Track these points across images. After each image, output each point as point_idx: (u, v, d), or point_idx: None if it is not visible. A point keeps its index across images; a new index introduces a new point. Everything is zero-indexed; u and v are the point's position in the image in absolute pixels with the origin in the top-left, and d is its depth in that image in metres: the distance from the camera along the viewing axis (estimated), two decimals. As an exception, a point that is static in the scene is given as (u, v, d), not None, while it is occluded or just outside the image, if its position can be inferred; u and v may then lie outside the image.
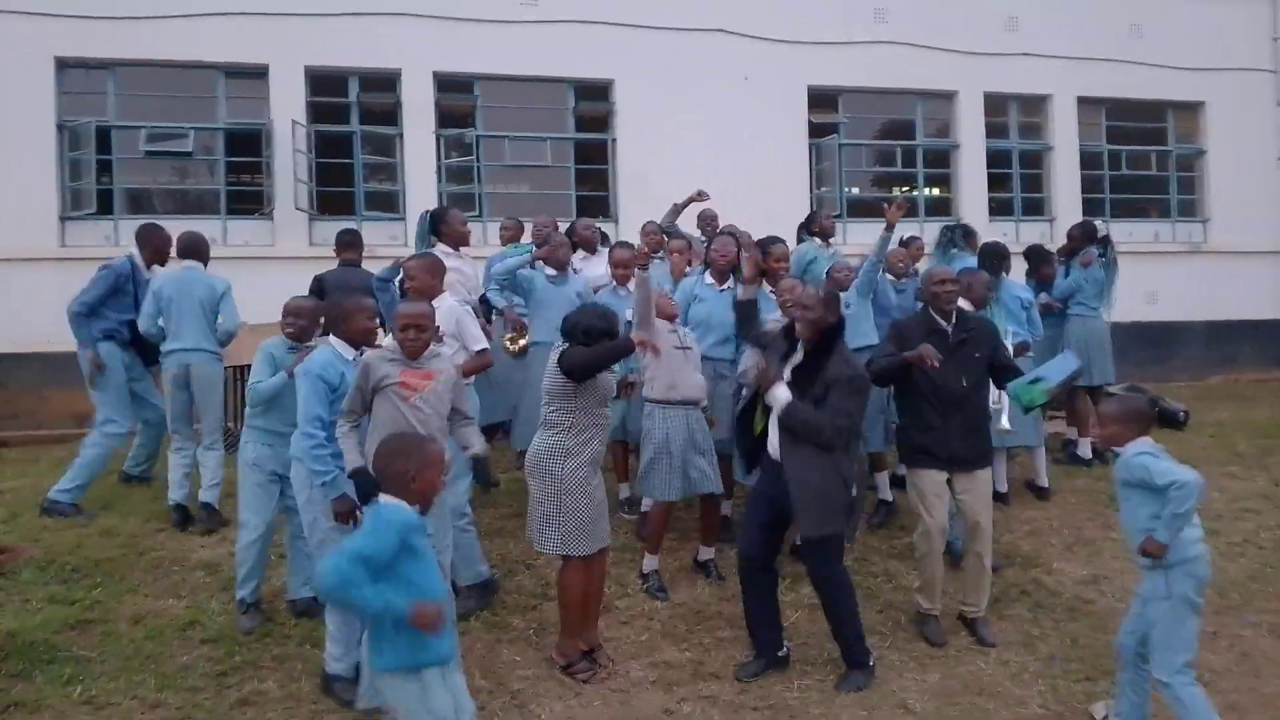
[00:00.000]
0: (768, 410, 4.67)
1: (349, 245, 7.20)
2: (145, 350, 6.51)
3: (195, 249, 6.45)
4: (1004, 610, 5.47)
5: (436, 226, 6.50)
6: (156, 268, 6.64)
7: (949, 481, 5.05)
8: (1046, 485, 7.05)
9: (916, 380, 4.96)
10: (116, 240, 9.63)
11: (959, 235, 7.55)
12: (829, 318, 4.58)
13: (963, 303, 5.99)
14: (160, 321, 6.17)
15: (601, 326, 4.60)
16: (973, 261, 7.04)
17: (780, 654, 4.81)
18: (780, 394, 4.52)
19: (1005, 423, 5.46)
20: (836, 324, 4.63)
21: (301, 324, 5.01)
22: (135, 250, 6.64)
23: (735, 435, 5.03)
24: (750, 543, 4.82)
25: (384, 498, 3.22)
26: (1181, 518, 3.86)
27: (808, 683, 4.65)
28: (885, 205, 6.20)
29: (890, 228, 6.20)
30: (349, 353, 4.50)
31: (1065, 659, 4.99)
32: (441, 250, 6.27)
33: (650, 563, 5.59)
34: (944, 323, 5.11)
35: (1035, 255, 8.09)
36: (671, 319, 5.60)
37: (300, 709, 4.30)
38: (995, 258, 7.03)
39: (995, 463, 6.77)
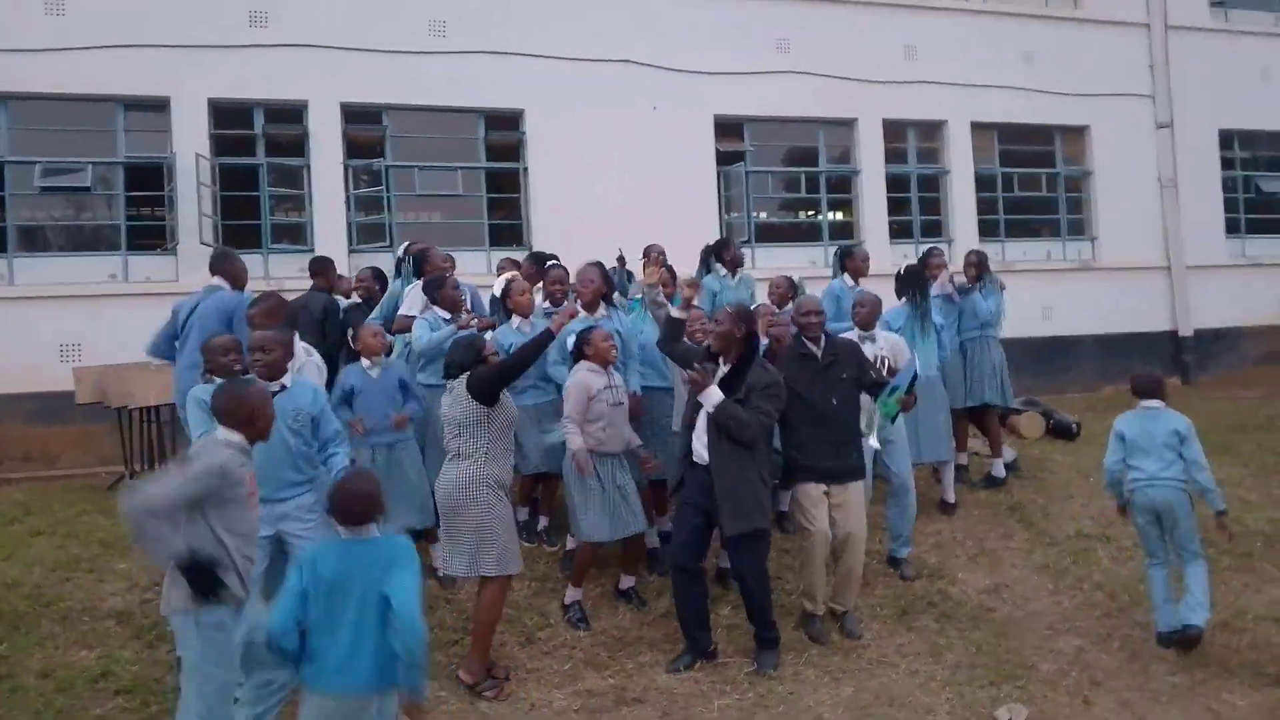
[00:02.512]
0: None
1: (317, 273, 7.08)
2: None
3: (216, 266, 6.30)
4: (912, 622, 5.71)
5: (420, 266, 6.62)
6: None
7: (826, 494, 5.43)
8: (953, 501, 7.30)
9: (791, 401, 5.29)
10: (11, 279, 9.34)
11: (837, 259, 7.65)
12: (736, 331, 5.06)
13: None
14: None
15: (470, 356, 4.85)
16: (848, 284, 7.31)
17: (710, 649, 5.25)
18: (713, 393, 4.95)
19: (874, 441, 5.76)
20: (749, 336, 5.09)
21: (270, 359, 4.61)
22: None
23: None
24: (682, 550, 5.20)
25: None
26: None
27: (726, 702, 4.79)
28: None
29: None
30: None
31: (970, 666, 5.23)
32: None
33: (573, 594, 5.67)
34: (814, 347, 5.54)
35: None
36: (607, 364, 5.61)
37: None
38: (914, 280, 7.15)
39: (943, 473, 7.23)
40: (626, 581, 5.88)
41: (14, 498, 7.48)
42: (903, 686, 5.01)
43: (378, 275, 7.24)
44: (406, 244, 7.24)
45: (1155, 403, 5.51)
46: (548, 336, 5.05)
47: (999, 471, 7.80)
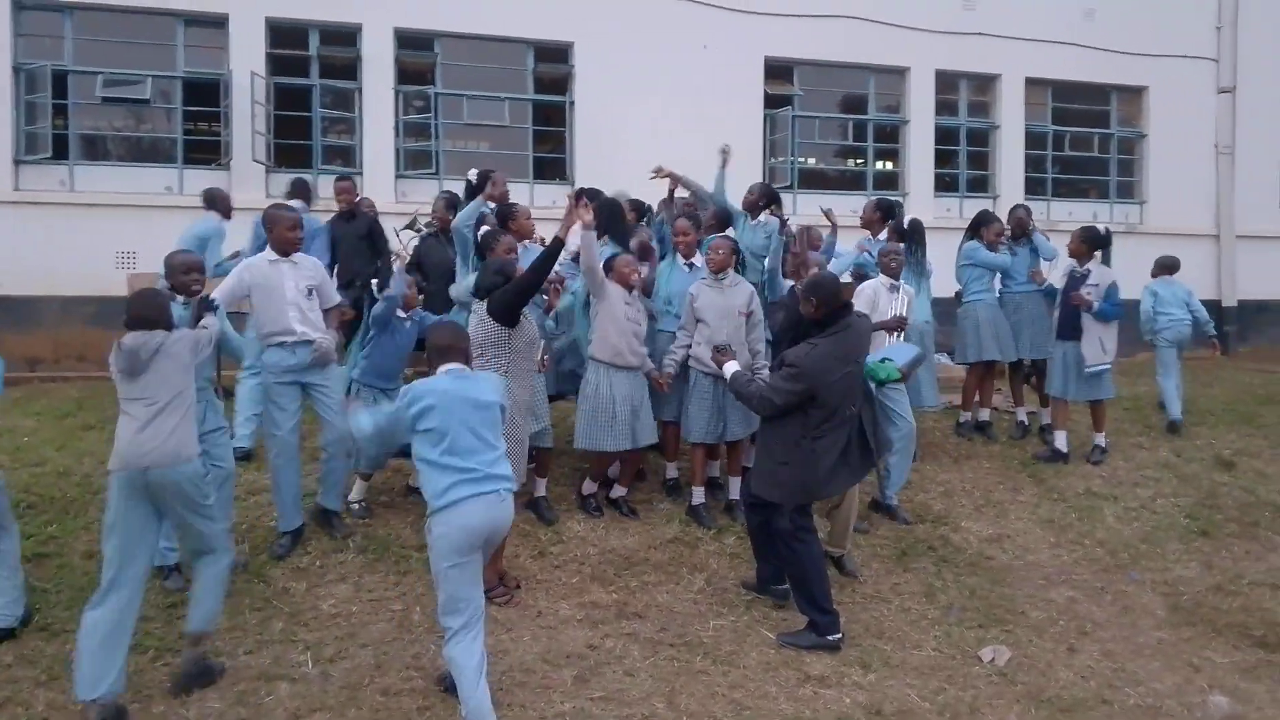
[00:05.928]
0: None
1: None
2: None
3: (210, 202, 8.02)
4: (910, 563, 5.89)
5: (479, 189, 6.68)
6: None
7: None
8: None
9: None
10: (71, 185, 9.69)
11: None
12: (806, 307, 4.87)
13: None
14: None
15: (499, 280, 5.00)
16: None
17: (828, 633, 4.85)
18: (728, 367, 5.11)
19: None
20: (823, 309, 4.80)
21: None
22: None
23: None
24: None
25: None
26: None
27: (722, 623, 5.02)
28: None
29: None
30: None
31: (962, 608, 5.41)
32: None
33: (589, 486, 6.17)
34: None
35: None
36: (630, 288, 5.90)
37: (246, 639, 4.60)
38: (917, 235, 7.31)
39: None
40: (617, 491, 6.26)
41: (68, 394, 7.91)
42: (893, 622, 5.21)
43: (451, 204, 7.30)
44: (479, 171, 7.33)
45: (1170, 277, 8.67)
46: (557, 245, 5.10)
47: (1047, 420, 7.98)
